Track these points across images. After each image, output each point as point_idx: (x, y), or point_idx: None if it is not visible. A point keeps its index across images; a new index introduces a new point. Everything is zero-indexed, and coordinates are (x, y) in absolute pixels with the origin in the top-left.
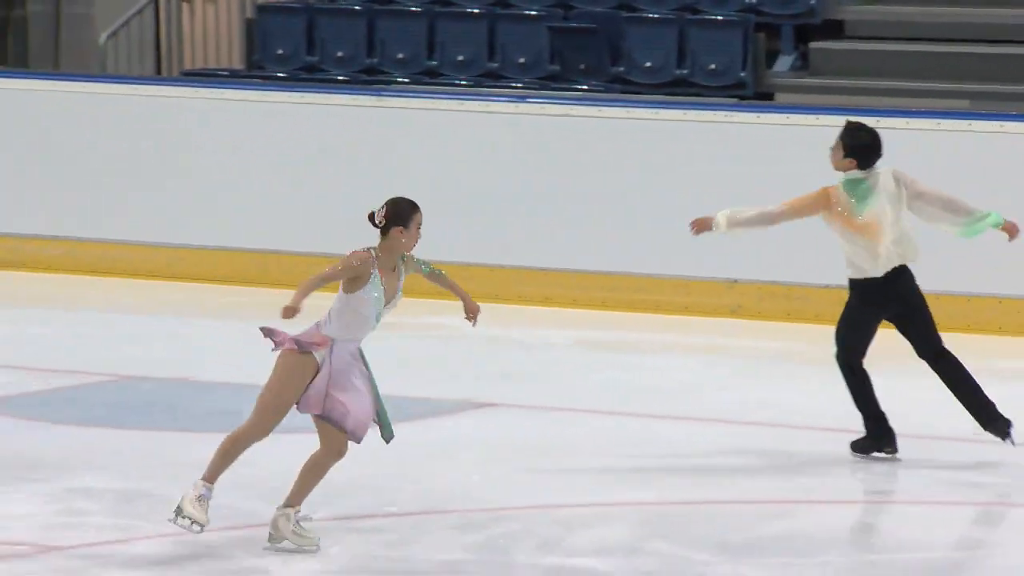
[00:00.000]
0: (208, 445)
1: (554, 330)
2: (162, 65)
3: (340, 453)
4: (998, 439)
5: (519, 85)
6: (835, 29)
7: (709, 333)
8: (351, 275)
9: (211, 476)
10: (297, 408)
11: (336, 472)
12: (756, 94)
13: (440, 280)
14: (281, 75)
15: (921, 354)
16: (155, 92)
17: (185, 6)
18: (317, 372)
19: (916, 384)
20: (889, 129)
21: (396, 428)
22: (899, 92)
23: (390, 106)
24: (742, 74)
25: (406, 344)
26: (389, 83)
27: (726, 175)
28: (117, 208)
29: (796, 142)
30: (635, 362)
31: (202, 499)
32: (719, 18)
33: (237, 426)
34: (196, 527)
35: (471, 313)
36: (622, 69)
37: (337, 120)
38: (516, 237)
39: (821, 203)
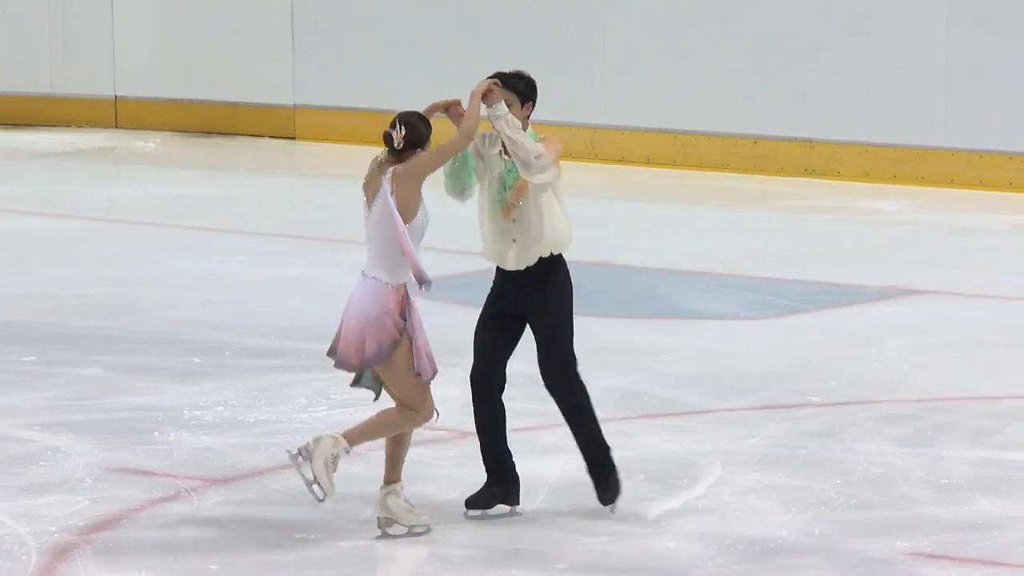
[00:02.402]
0: (629, 332)
1: (986, 215)
2: None
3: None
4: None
5: None
6: None
7: None
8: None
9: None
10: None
11: (757, 360)
12: None
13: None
14: None
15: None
16: None
17: None
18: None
19: None
20: None
21: (824, 315)
22: None
23: None
24: None
25: (834, 228)
26: None
27: None
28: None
29: None
30: None
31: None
32: None
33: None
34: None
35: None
36: None
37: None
38: (945, 117)
39: None
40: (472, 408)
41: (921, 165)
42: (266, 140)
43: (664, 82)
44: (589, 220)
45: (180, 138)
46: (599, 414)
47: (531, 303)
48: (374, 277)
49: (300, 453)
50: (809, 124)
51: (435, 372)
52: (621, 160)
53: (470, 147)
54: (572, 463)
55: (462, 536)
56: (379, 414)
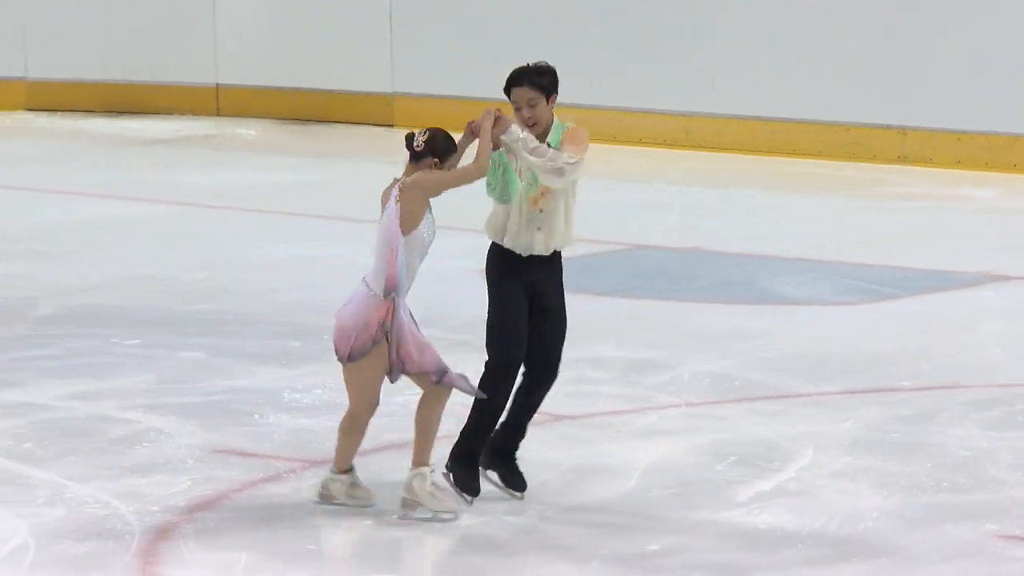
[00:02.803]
0: (722, 317)
1: None
2: None
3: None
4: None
5: None
6: None
7: None
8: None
9: (341, 464)
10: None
11: (850, 345)
12: None
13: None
14: None
15: None
16: None
17: None
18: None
19: None
20: None
21: (917, 301)
22: None
23: None
24: None
25: (927, 215)
26: None
27: None
28: (629, 76)
29: None
30: None
31: (354, 485)
32: None
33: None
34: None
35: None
36: None
37: None
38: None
39: None
40: (489, 401)
41: (1014, 152)
42: (365, 127)
43: (758, 70)
44: (683, 207)
45: (280, 125)
46: (692, 398)
47: (547, 287)
48: (367, 284)
49: (323, 497)
50: (902, 112)
51: (401, 374)
52: (716, 147)
53: (503, 146)
54: (664, 445)
55: (557, 516)
56: (338, 430)
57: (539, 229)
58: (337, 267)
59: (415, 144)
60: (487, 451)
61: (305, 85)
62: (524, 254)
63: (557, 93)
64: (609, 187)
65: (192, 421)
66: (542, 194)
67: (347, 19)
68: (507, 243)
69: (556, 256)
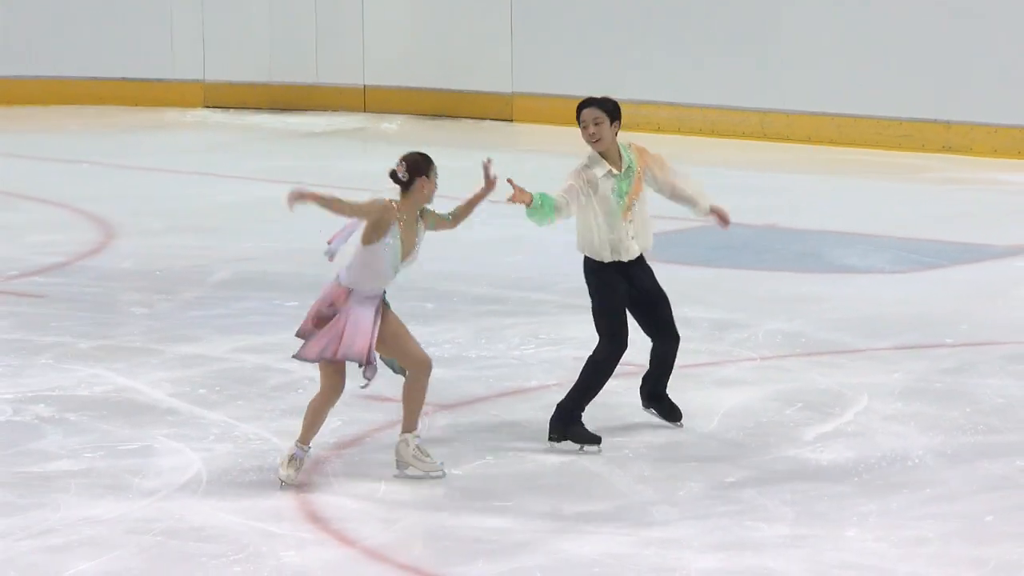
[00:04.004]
0: (792, 284)
1: None
2: None
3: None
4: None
5: None
6: None
7: None
8: (365, 218)
9: (304, 439)
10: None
11: (901, 307)
12: None
13: (464, 211)
14: None
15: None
16: None
17: None
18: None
19: None
20: None
21: (958, 270)
22: None
23: None
24: None
25: (967, 196)
26: None
27: None
28: (715, 77)
29: None
30: None
31: (294, 458)
32: None
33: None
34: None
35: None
36: None
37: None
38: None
39: None
40: (599, 372)
41: None
42: (487, 122)
43: (824, 71)
44: (759, 190)
45: (416, 120)
46: (765, 352)
47: (642, 281)
48: (336, 274)
49: (283, 479)
50: (947, 107)
51: (335, 356)
52: (786, 139)
53: (576, 185)
54: (741, 393)
55: (648, 454)
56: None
57: (632, 237)
58: (467, 241)
59: (400, 176)
60: (645, 396)
61: (438, 86)
62: (626, 258)
63: (619, 122)
64: (697, 173)
65: None
66: (629, 208)
67: (471, 28)
68: (608, 257)
69: (643, 257)
